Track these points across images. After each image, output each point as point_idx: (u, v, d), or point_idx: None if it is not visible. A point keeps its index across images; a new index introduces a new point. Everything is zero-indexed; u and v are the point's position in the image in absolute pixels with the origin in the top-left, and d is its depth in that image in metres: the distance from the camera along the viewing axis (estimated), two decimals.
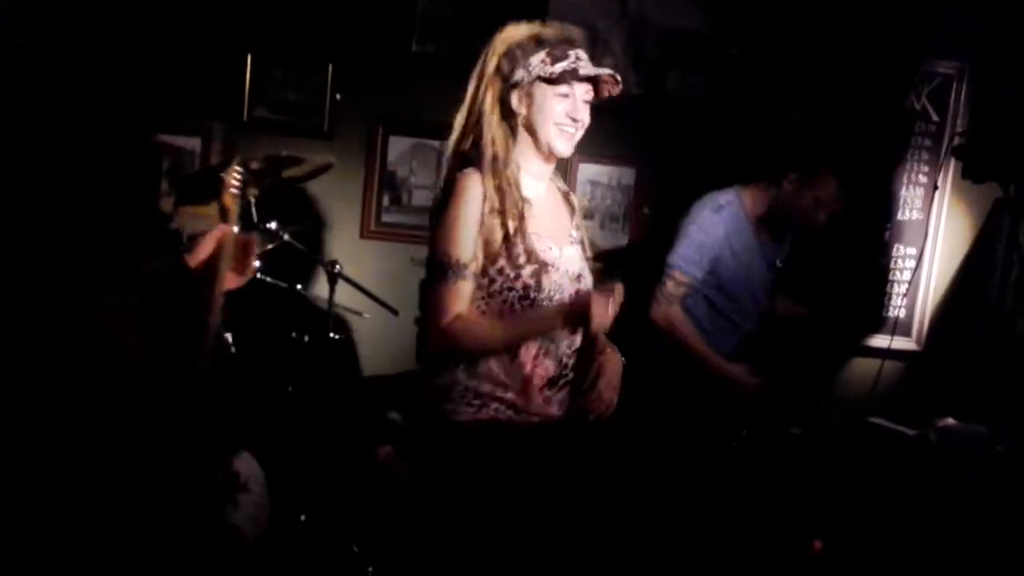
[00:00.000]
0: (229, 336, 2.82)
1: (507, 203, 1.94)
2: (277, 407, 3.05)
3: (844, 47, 3.67)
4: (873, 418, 3.14)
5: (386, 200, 3.71)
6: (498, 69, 1.98)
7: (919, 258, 3.78)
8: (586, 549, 2.21)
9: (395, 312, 3.33)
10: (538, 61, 1.95)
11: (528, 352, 1.98)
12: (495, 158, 1.96)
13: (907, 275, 3.84)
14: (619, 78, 2.01)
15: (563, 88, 1.97)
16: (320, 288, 3.37)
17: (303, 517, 3.01)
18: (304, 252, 3.21)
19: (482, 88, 1.98)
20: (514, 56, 1.97)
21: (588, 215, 3.64)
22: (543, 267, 1.96)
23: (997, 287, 3.56)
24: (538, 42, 1.97)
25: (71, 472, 1.36)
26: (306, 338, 3.17)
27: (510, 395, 1.98)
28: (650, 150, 3.71)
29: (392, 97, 3.62)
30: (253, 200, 2.92)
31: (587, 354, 2.10)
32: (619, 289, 1.96)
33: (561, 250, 2.03)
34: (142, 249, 1.46)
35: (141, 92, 1.41)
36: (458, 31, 3.55)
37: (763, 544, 3.01)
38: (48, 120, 1.31)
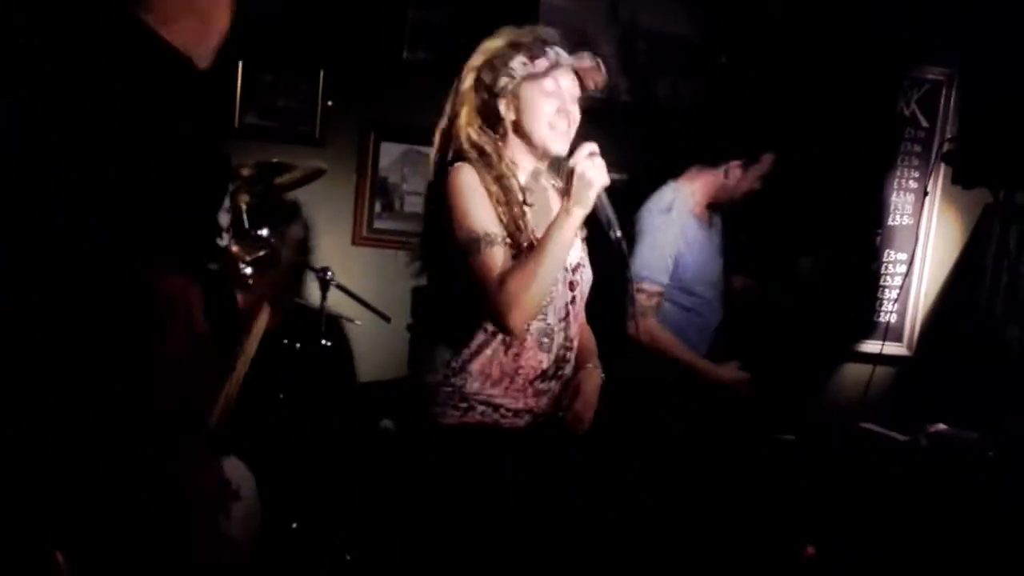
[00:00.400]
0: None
1: (509, 196, 1.95)
2: (269, 414, 3.05)
3: (834, 52, 3.68)
4: (864, 423, 3.14)
5: (378, 206, 3.71)
6: (479, 82, 2.00)
7: (910, 263, 3.80)
8: (572, 555, 2.20)
9: (387, 319, 3.33)
10: (519, 64, 1.97)
11: (524, 345, 1.97)
12: (483, 152, 1.97)
13: (898, 280, 3.85)
14: (602, 64, 2.03)
15: (549, 85, 1.98)
16: (312, 295, 3.37)
17: (295, 525, 3.01)
18: (296, 258, 3.21)
19: (457, 104, 2.00)
20: (494, 66, 1.99)
21: None
22: None
23: (987, 293, 3.57)
24: (515, 47, 1.99)
25: (71, 474, 1.36)
26: (298, 345, 3.17)
27: (498, 392, 1.97)
28: (640, 156, 3.72)
29: (383, 104, 3.62)
30: (244, 207, 2.92)
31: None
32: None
33: None
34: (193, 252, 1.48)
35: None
36: (449, 39, 3.56)
37: (756, 550, 3.01)
38: (48, 120, 1.31)
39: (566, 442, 2.08)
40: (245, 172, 2.81)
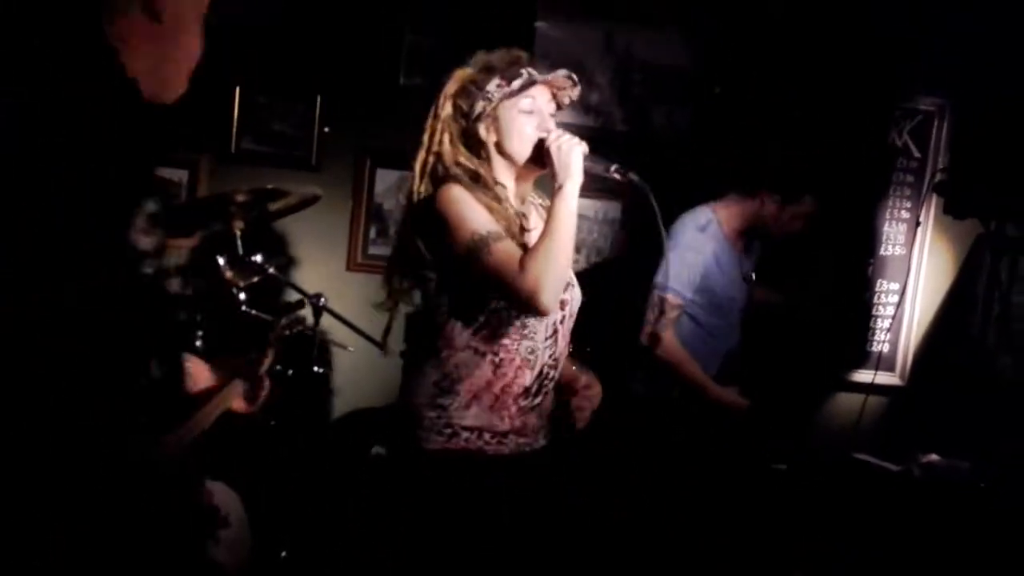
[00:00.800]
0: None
1: (508, 216, 1.97)
2: (260, 441, 3.03)
3: (826, 83, 3.71)
4: (857, 453, 3.14)
5: (372, 232, 3.71)
6: (456, 109, 2.02)
7: (902, 293, 3.81)
8: None
9: (380, 346, 3.31)
10: (494, 86, 1.99)
11: (512, 363, 1.98)
12: (476, 176, 1.98)
13: (890, 310, 3.86)
14: (575, 78, 2.04)
15: (526, 104, 2.00)
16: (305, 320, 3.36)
17: (284, 553, 2.98)
18: (290, 284, 3.20)
19: (439, 132, 2.01)
20: (469, 91, 2.01)
21: (575, 249, 3.65)
22: None
23: (979, 322, 3.58)
24: (488, 70, 2.01)
25: (65, 477, 1.34)
26: (290, 371, 3.15)
27: (483, 412, 1.98)
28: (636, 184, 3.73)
29: (379, 130, 3.63)
30: (239, 232, 2.92)
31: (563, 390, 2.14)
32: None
33: None
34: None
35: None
36: (445, 65, 3.57)
37: None
38: (48, 120, 1.30)
39: (551, 469, 2.09)
40: (240, 198, 2.82)
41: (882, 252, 3.91)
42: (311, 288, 3.28)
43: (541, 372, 2.03)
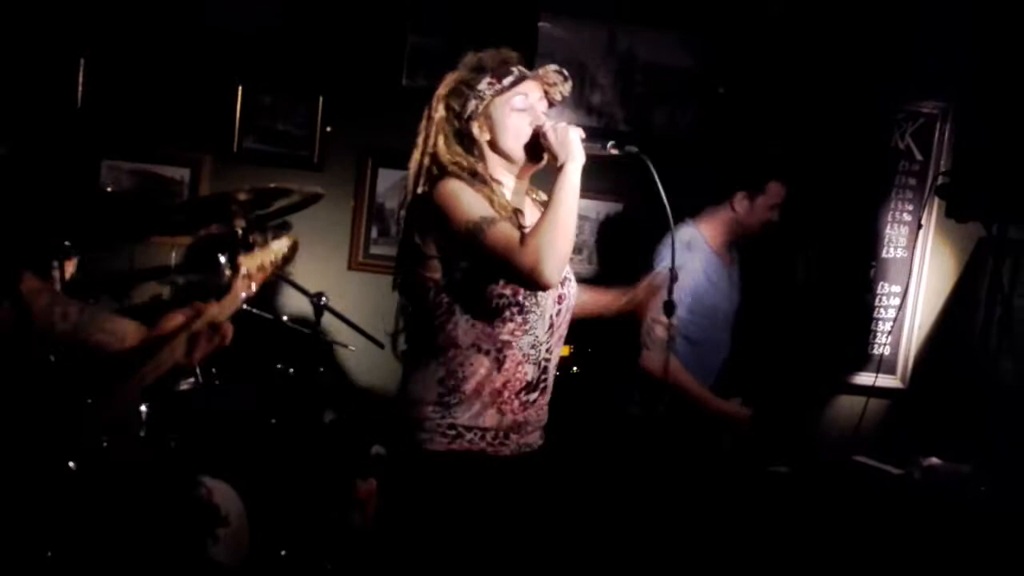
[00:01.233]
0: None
1: (504, 209, 1.98)
2: (260, 440, 3.03)
3: (829, 86, 3.71)
4: (858, 456, 3.14)
5: (374, 232, 3.72)
6: (449, 110, 2.03)
7: (903, 296, 3.80)
8: None
9: (381, 345, 3.31)
10: (486, 85, 2.01)
11: (514, 359, 2.00)
12: (475, 173, 2.00)
13: (892, 313, 3.86)
14: (566, 73, 2.06)
15: (519, 101, 2.02)
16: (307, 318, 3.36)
17: (283, 552, 2.98)
18: (291, 283, 3.20)
19: (434, 134, 2.03)
20: (461, 92, 2.03)
21: (577, 250, 3.64)
22: None
23: (981, 326, 3.57)
24: (479, 70, 2.03)
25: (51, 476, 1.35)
26: (291, 370, 3.16)
27: (487, 412, 1.98)
28: (638, 184, 3.72)
29: (381, 130, 3.63)
30: (241, 232, 2.92)
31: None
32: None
33: None
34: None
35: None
36: (447, 66, 3.58)
37: None
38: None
39: (550, 472, 2.10)
40: (242, 197, 2.81)
41: (884, 255, 3.90)
42: (312, 287, 3.28)
43: (540, 366, 2.05)
